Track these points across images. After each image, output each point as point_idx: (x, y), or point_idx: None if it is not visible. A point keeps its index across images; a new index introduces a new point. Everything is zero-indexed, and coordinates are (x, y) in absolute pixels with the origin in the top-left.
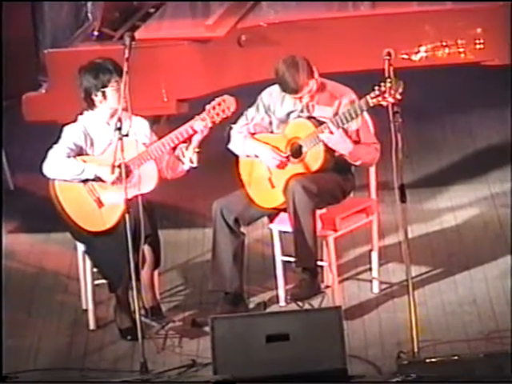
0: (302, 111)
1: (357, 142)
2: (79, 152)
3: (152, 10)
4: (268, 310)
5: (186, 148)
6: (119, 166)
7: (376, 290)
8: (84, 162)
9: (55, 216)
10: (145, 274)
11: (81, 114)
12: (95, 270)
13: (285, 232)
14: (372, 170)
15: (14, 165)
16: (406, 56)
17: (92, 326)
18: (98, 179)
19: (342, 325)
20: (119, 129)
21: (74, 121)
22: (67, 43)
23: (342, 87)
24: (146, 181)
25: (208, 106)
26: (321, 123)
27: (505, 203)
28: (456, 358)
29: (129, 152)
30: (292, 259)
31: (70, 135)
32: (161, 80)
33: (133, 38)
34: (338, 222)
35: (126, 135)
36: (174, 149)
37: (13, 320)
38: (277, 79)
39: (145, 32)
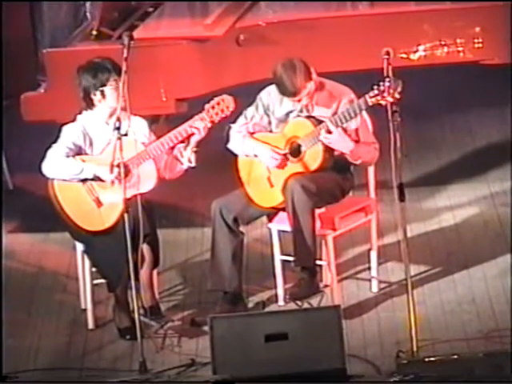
0: (301, 111)
1: (356, 142)
2: (78, 151)
3: (150, 10)
4: (267, 310)
5: (185, 148)
6: (118, 166)
7: (375, 289)
8: (83, 161)
9: (54, 216)
10: (144, 273)
11: (80, 113)
12: (94, 269)
13: (284, 231)
14: (371, 169)
15: (13, 164)
16: (404, 55)
17: (91, 325)
18: (96, 179)
19: (340, 324)
20: (118, 128)
21: (73, 120)
22: (66, 43)
23: (341, 87)
24: (145, 180)
25: (207, 106)
26: (320, 122)
27: (505, 202)
28: (455, 357)
29: (128, 151)
30: (291, 258)
31: (69, 135)
32: (159, 79)
33: (131, 38)
34: (337, 222)
35: (125, 135)
36: (173, 149)
37: (13, 320)
38: (275, 82)
39: (143, 31)
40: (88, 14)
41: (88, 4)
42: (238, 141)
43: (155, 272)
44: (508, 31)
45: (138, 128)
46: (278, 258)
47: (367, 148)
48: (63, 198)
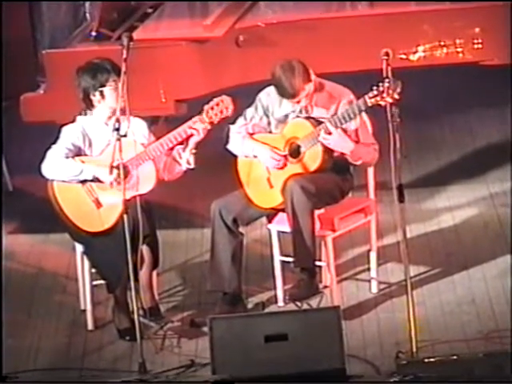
0: (300, 112)
1: (356, 142)
2: (77, 152)
3: (150, 11)
4: (266, 310)
5: (183, 149)
6: (117, 167)
7: (374, 289)
8: (82, 162)
9: (54, 217)
10: (143, 274)
11: (79, 114)
12: (94, 270)
13: (283, 232)
14: (370, 170)
15: (12, 166)
16: (404, 56)
17: (90, 326)
18: (96, 180)
19: (340, 325)
20: (117, 129)
21: (73, 121)
22: (65, 44)
23: (341, 87)
24: (145, 181)
25: (206, 107)
26: (319, 123)
27: (504, 203)
28: (455, 357)
29: (127, 152)
30: (290, 259)
31: (69, 136)
32: (159, 80)
33: (131, 39)
34: (337, 222)
35: (125, 136)
36: (172, 150)
37: (13, 320)
38: (273, 83)
39: (143, 32)
40: (87, 15)
41: (87, 4)
42: (238, 142)
43: (155, 273)
44: (508, 32)
45: (137, 129)
46: (278, 258)
47: (367, 149)
48: (63, 199)
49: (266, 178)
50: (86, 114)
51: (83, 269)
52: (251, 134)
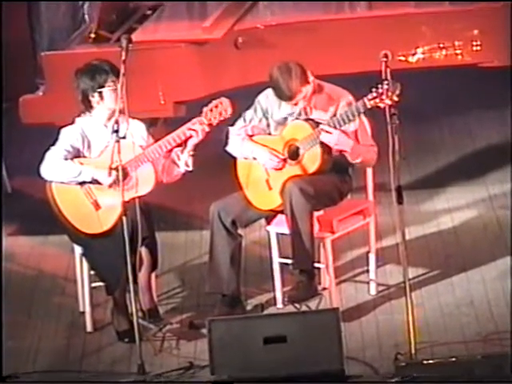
0: (299, 114)
1: None
2: (76, 154)
3: (149, 12)
4: (265, 312)
5: (182, 151)
6: (116, 169)
7: (373, 291)
8: (81, 164)
9: (53, 218)
10: (142, 276)
11: (78, 116)
12: (92, 272)
13: (282, 234)
14: (369, 171)
15: (11, 167)
16: (403, 58)
17: (89, 328)
18: (95, 181)
19: (339, 327)
20: (116, 131)
21: (72, 123)
22: (64, 45)
23: (340, 89)
24: (143, 183)
25: (205, 109)
26: (318, 125)
27: (504, 204)
28: (454, 359)
29: (126, 154)
30: (289, 261)
31: (68, 137)
32: (158, 82)
33: (130, 41)
34: (336, 224)
35: (123, 137)
36: (170, 152)
37: (12, 321)
38: (271, 85)
39: (142, 34)
40: (86, 17)
41: (86, 6)
42: (237, 143)
43: (153, 275)
44: (507, 33)
45: (136, 131)
46: (277, 260)
47: (366, 148)
48: (61, 201)
49: (265, 179)
50: (84, 116)
51: (82, 271)
52: (250, 136)
